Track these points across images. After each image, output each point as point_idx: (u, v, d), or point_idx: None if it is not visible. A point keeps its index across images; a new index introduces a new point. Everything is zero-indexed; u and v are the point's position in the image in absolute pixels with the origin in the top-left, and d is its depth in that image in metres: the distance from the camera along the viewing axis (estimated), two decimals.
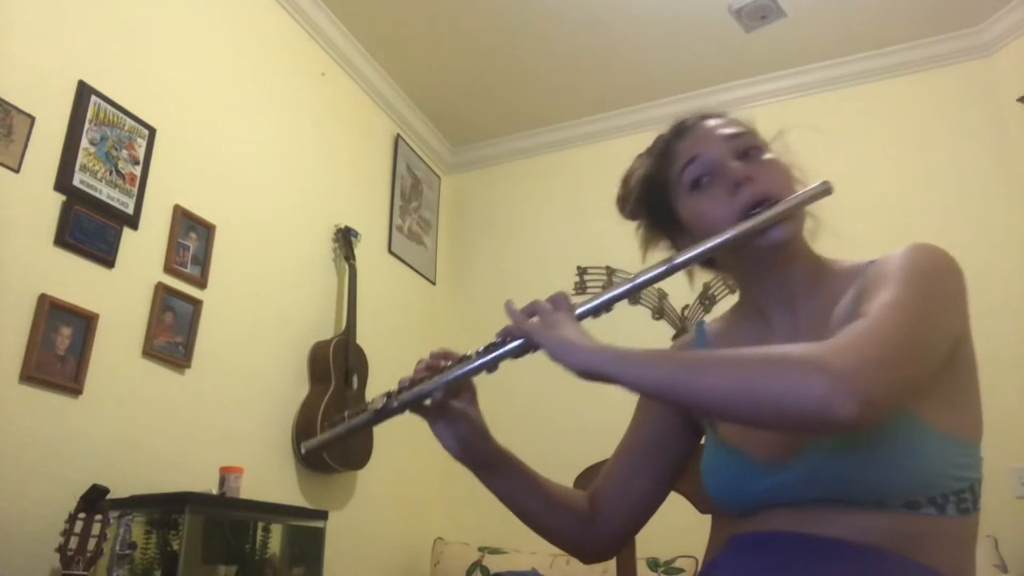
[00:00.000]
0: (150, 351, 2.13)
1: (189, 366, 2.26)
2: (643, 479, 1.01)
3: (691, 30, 3.19)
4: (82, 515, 1.62)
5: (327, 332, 2.88)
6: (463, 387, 0.95)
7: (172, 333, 2.22)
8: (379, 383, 2.93)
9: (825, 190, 0.88)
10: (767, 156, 0.93)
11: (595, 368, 0.78)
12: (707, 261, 0.96)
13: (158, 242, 2.24)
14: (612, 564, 1.19)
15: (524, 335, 0.85)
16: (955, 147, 3.11)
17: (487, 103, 3.70)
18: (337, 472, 2.79)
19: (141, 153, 2.22)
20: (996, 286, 2.83)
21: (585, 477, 1.28)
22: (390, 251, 3.44)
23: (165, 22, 2.39)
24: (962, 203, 3.01)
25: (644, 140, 1.05)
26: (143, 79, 2.27)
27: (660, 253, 0.99)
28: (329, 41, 3.17)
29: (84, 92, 2.07)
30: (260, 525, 2.16)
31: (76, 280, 1.97)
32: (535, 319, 0.85)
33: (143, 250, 2.18)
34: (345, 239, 3.03)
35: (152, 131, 2.26)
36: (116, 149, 2.14)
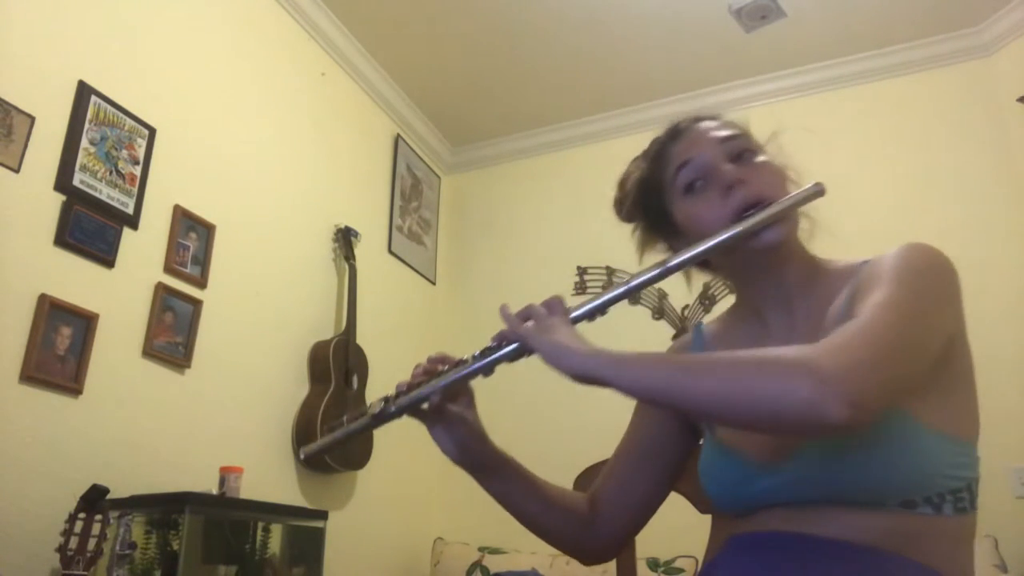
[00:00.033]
0: (150, 351, 2.14)
1: (189, 366, 2.26)
2: (642, 481, 1.01)
3: (691, 30, 3.19)
4: (82, 515, 1.62)
5: (327, 332, 2.88)
6: (460, 391, 0.95)
7: (172, 333, 2.22)
8: (379, 383, 2.93)
9: (817, 192, 0.88)
10: (760, 158, 0.93)
11: (589, 372, 0.78)
12: (703, 263, 0.97)
13: (158, 242, 2.24)
14: (612, 564, 1.19)
15: (519, 339, 0.85)
16: (955, 147, 3.11)
17: (487, 103, 3.70)
18: (337, 472, 2.79)
19: (141, 153, 2.22)
20: (996, 286, 2.83)
21: (585, 477, 1.28)
22: (390, 251, 3.44)
23: (165, 22, 2.39)
24: (962, 203, 3.01)
25: (644, 140, 1.06)
26: (143, 79, 2.28)
27: (657, 255, 0.99)
28: (329, 41, 3.18)
29: (84, 92, 2.07)
30: (260, 525, 2.17)
31: (76, 280, 1.97)
32: (530, 323, 0.85)
33: (143, 250, 2.18)
34: (345, 239, 3.03)
35: (152, 131, 2.26)
36: (116, 149, 2.14)
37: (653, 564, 2.66)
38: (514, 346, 0.86)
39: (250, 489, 2.19)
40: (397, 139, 3.63)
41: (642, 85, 3.54)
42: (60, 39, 2.04)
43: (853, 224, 2.73)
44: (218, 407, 2.36)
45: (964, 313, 0.84)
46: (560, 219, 3.67)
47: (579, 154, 3.75)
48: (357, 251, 3.05)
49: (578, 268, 3.50)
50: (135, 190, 2.17)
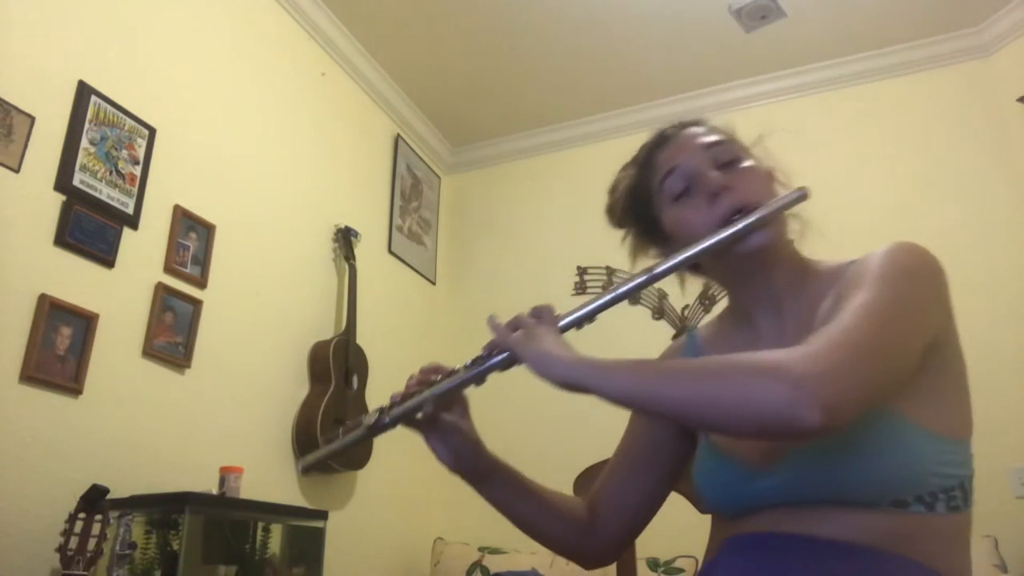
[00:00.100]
0: (150, 351, 2.14)
1: (189, 366, 2.26)
2: (640, 484, 1.02)
3: (691, 30, 3.19)
4: (82, 515, 1.62)
5: (327, 332, 2.88)
6: (454, 400, 0.96)
7: (172, 333, 2.22)
8: (379, 383, 2.93)
9: (801, 196, 0.89)
10: (746, 164, 0.94)
11: (572, 380, 0.79)
12: (694, 267, 0.97)
13: (158, 242, 2.24)
14: (612, 564, 1.19)
15: (507, 349, 0.86)
16: (955, 147, 3.11)
17: (487, 103, 3.70)
18: (337, 472, 2.79)
19: (141, 153, 2.22)
20: (996, 286, 2.83)
21: (585, 477, 1.28)
22: (390, 251, 3.44)
23: (165, 22, 2.39)
24: (962, 203, 3.01)
25: (644, 140, 1.06)
26: (143, 79, 2.28)
27: (650, 261, 0.99)
28: (329, 41, 3.18)
29: (84, 92, 2.07)
30: (260, 525, 2.16)
31: (76, 280, 1.97)
32: (518, 333, 0.86)
33: (143, 250, 2.18)
34: (345, 239, 3.03)
35: (152, 131, 2.26)
36: (116, 149, 2.14)
37: (653, 564, 2.66)
38: (504, 355, 0.87)
39: (250, 489, 2.19)
40: (397, 139, 3.63)
41: (642, 85, 3.54)
42: (60, 39, 2.04)
43: (853, 224, 2.73)
44: (218, 407, 2.36)
45: (953, 311, 0.84)
46: (560, 219, 3.67)
47: (579, 154, 3.75)
48: (357, 251, 3.05)
49: (578, 268, 3.50)
50: (135, 190, 2.17)
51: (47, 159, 1.96)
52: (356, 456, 2.79)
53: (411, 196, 3.69)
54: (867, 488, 0.76)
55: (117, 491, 1.77)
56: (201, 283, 2.35)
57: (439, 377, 0.92)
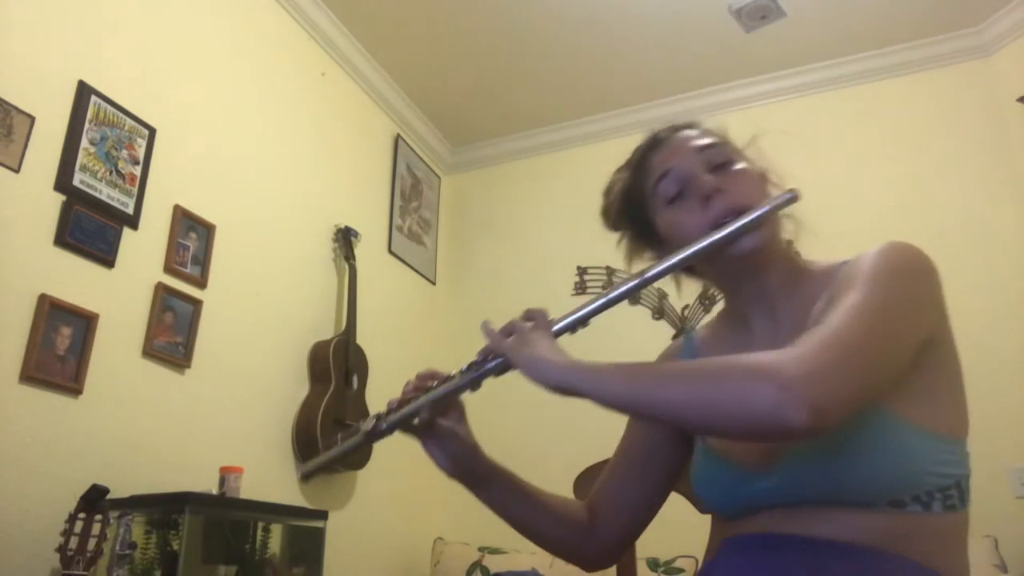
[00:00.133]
0: (150, 351, 2.14)
1: (189, 366, 2.26)
2: (639, 487, 1.02)
3: (691, 30, 3.19)
4: (82, 515, 1.62)
5: (327, 332, 2.88)
6: (451, 406, 0.97)
7: (172, 333, 2.22)
8: (379, 383, 2.94)
9: (791, 198, 0.89)
10: (738, 166, 0.94)
11: (565, 384, 0.80)
12: (689, 270, 0.98)
13: (158, 242, 2.24)
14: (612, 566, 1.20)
15: (500, 354, 0.87)
16: (955, 147, 3.11)
17: (487, 103, 3.70)
18: (337, 472, 2.79)
19: (141, 153, 2.22)
20: (997, 286, 2.83)
21: (584, 478, 1.28)
22: (390, 251, 3.44)
23: (165, 22, 2.39)
24: (962, 203, 3.01)
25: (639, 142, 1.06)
26: (143, 79, 2.28)
27: (646, 263, 1.00)
28: (329, 41, 3.18)
29: (84, 92, 2.07)
30: (260, 525, 2.16)
31: (76, 280, 1.97)
32: (512, 338, 0.86)
33: (143, 250, 2.18)
34: (345, 239, 3.03)
35: (152, 131, 2.26)
36: (116, 149, 2.14)
37: (653, 564, 2.66)
38: (498, 361, 0.87)
39: (250, 489, 2.19)
40: (397, 139, 3.63)
41: (642, 85, 3.54)
42: (60, 39, 2.04)
43: (853, 224, 2.73)
44: (218, 407, 2.36)
45: (946, 310, 0.84)
46: (560, 219, 3.67)
47: (579, 154, 3.75)
48: (357, 251, 3.05)
49: (578, 268, 3.50)
50: (135, 190, 2.17)
51: (47, 159, 1.96)
52: (356, 457, 2.78)
53: (411, 196, 3.69)
54: (864, 488, 0.76)
55: (117, 491, 1.77)
56: (201, 283, 2.35)
57: (435, 383, 0.92)
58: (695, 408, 0.72)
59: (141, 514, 1.89)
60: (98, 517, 1.62)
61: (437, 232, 3.87)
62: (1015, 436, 2.62)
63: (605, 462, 1.09)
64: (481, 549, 2.96)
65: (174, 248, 2.27)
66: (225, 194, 2.52)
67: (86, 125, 2.05)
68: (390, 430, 0.93)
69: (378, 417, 0.94)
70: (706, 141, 0.96)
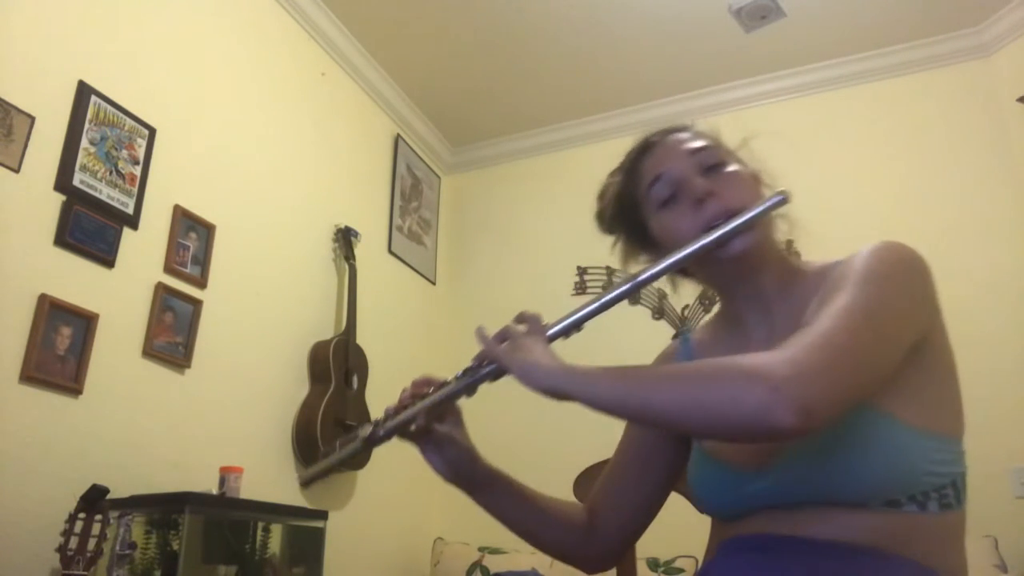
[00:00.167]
0: (150, 351, 2.14)
1: (189, 366, 2.26)
2: (637, 490, 1.03)
3: (691, 30, 3.19)
4: (82, 515, 1.62)
5: (327, 332, 2.88)
6: (447, 411, 0.97)
7: (172, 333, 2.22)
8: (379, 383, 2.94)
9: (781, 200, 0.89)
10: (730, 168, 0.94)
11: (555, 388, 0.80)
12: (683, 272, 0.99)
13: (158, 242, 2.24)
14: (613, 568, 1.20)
15: (493, 360, 0.87)
16: (955, 147, 3.11)
17: (487, 103, 3.70)
18: (337, 472, 2.79)
19: (141, 153, 2.22)
20: (996, 286, 2.83)
21: (585, 477, 1.28)
22: (390, 251, 3.44)
23: (165, 22, 2.39)
24: (962, 203, 3.01)
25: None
26: (143, 79, 2.28)
27: (641, 266, 1.00)
28: (329, 41, 3.18)
29: (84, 92, 2.07)
30: (260, 525, 2.17)
31: (76, 280, 1.97)
32: (505, 344, 0.87)
33: (143, 250, 2.18)
34: (345, 239, 3.03)
35: (152, 131, 2.26)
36: (116, 149, 2.14)
37: (653, 564, 2.66)
38: (493, 366, 0.87)
39: (250, 489, 2.19)
40: (397, 139, 3.63)
41: (642, 85, 3.54)
42: (60, 39, 2.04)
43: (853, 224, 2.73)
44: (218, 407, 2.36)
45: (939, 309, 0.84)
46: (560, 219, 3.66)
47: (579, 154, 3.75)
48: (357, 251, 3.05)
49: (578, 268, 3.50)
50: (135, 190, 2.17)
51: (47, 159, 1.96)
52: (356, 457, 2.78)
53: (411, 196, 3.69)
54: (858, 488, 0.77)
55: (117, 491, 1.77)
56: (201, 283, 2.35)
57: (431, 389, 0.93)
58: (685, 410, 0.72)
59: (141, 514, 1.89)
60: (98, 517, 1.62)
61: (437, 232, 3.87)
62: (1015, 436, 2.62)
63: (605, 462, 1.09)
64: (481, 549, 2.96)
65: (174, 248, 2.27)
66: (225, 194, 2.52)
67: (86, 125, 2.05)
68: (387, 437, 0.94)
69: (375, 424, 0.94)
70: (698, 144, 0.96)
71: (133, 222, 2.15)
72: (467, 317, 3.63)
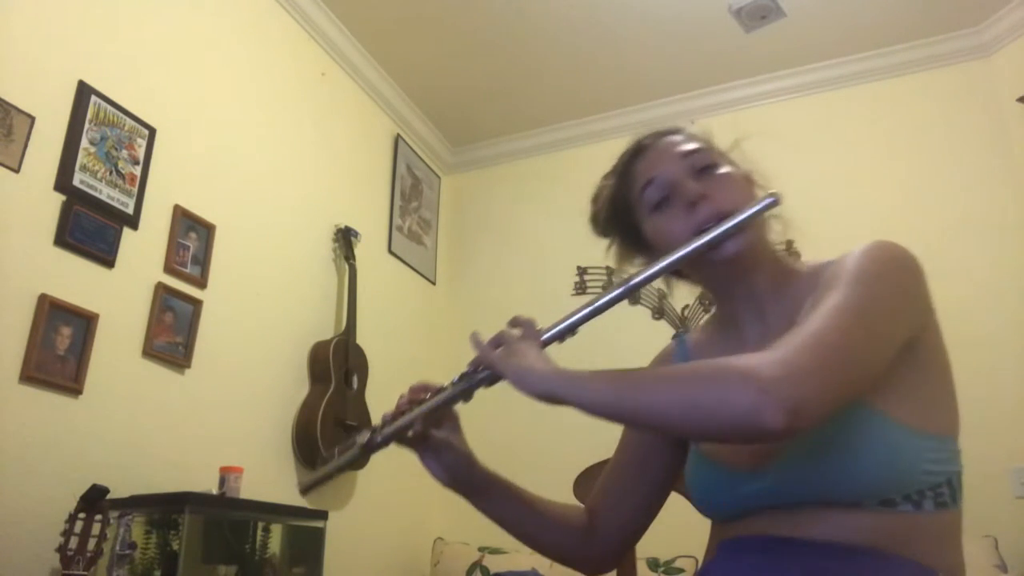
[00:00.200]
0: (150, 351, 2.14)
1: (189, 366, 2.26)
2: (636, 492, 1.03)
3: (691, 30, 3.19)
4: (82, 515, 1.62)
5: (327, 332, 2.88)
6: (445, 417, 0.98)
7: (172, 333, 2.22)
8: (379, 383, 2.94)
9: (773, 202, 0.89)
10: (723, 171, 0.95)
11: (548, 392, 0.80)
12: (678, 274, 0.99)
13: (158, 242, 2.24)
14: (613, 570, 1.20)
15: (488, 366, 0.87)
16: (955, 147, 3.11)
17: (487, 103, 3.70)
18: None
19: (141, 153, 2.22)
20: (996, 286, 2.83)
21: (584, 477, 1.28)
22: (390, 251, 3.44)
23: (165, 22, 2.39)
24: (962, 203, 3.01)
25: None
26: (143, 79, 2.28)
27: (636, 268, 1.00)
28: (329, 41, 3.18)
29: (84, 92, 2.07)
30: (260, 525, 2.17)
31: (76, 280, 1.97)
32: (500, 349, 0.87)
33: (143, 250, 2.18)
34: (345, 239, 3.03)
35: (152, 131, 2.26)
36: (116, 149, 2.14)
37: (653, 564, 2.66)
38: (488, 372, 0.88)
39: (250, 489, 2.19)
40: (397, 139, 3.63)
41: (642, 85, 3.54)
42: (60, 39, 2.04)
43: (853, 224, 2.74)
44: (218, 407, 2.36)
45: (933, 308, 0.84)
46: (560, 219, 3.66)
47: (579, 154, 3.75)
48: (357, 251, 3.05)
49: (578, 268, 3.50)
50: (135, 190, 2.17)
51: (47, 159, 1.96)
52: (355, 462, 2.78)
53: (411, 196, 3.69)
54: (853, 488, 0.77)
55: (117, 491, 1.77)
56: (201, 283, 2.35)
57: (428, 395, 0.93)
58: (676, 412, 0.72)
59: (141, 514, 1.89)
60: (98, 517, 1.62)
61: (437, 232, 3.87)
62: (1015, 436, 2.62)
63: (605, 462, 1.09)
64: (481, 549, 2.97)
65: (174, 248, 2.27)
66: (225, 194, 2.52)
67: (86, 125, 2.05)
68: (385, 443, 0.95)
69: (373, 430, 0.95)
70: (690, 147, 0.96)
71: (133, 222, 2.15)
72: (467, 317, 3.64)
